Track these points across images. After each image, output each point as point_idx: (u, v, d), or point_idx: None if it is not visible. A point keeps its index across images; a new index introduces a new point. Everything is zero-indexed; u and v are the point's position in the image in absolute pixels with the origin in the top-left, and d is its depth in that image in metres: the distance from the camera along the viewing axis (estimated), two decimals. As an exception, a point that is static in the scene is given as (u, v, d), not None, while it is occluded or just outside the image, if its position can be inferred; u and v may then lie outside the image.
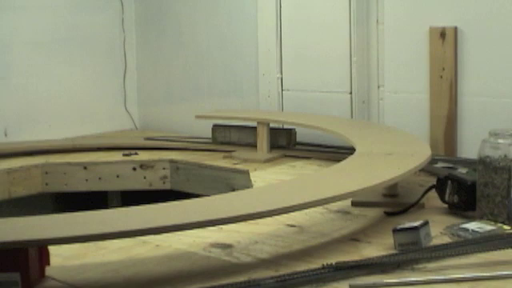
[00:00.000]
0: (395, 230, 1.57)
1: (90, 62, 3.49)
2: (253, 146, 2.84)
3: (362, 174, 1.84)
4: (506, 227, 1.65)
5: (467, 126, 2.51)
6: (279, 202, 1.54)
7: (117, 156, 2.91)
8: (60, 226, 1.40)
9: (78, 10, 3.42)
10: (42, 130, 3.22)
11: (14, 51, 3.20)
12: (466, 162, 2.26)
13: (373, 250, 1.57)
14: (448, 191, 1.84)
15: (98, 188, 2.86)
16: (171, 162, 2.84)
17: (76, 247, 1.53)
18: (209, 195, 1.74)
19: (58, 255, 1.51)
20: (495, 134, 1.71)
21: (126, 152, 2.95)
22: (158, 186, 2.85)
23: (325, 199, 1.61)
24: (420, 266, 1.44)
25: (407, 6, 2.63)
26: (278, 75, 3.05)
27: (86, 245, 1.55)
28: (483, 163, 1.72)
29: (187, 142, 3.06)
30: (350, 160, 1.99)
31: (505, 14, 2.41)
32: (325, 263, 1.40)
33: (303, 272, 1.38)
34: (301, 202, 1.55)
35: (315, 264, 1.44)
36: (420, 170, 2.01)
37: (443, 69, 2.53)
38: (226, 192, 2.27)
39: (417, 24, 2.60)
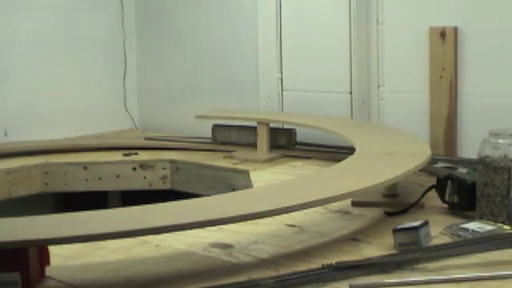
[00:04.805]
0: (395, 230, 1.57)
1: (90, 62, 3.49)
2: (253, 146, 2.83)
3: (362, 174, 1.84)
4: (506, 227, 1.65)
5: (467, 126, 2.51)
6: (279, 201, 1.54)
7: (117, 156, 2.91)
8: (60, 226, 1.40)
9: (78, 10, 3.42)
10: (42, 130, 3.21)
11: (13, 51, 3.20)
12: (466, 162, 2.26)
13: (373, 250, 1.57)
14: (448, 191, 1.84)
15: (98, 188, 2.85)
16: (171, 161, 2.84)
17: (76, 247, 1.53)
18: (209, 195, 1.74)
19: (58, 255, 1.51)
20: (495, 134, 1.71)
21: (126, 152, 2.95)
22: (158, 186, 2.85)
23: (325, 199, 1.61)
24: (420, 265, 1.44)
25: (407, 6, 2.63)
26: (278, 75, 3.05)
27: (85, 245, 1.55)
28: (483, 163, 1.72)
29: (187, 141, 3.06)
30: (350, 160, 1.99)
31: (505, 14, 2.41)
32: (325, 263, 1.40)
33: (303, 272, 1.38)
34: (301, 202, 1.55)
35: (315, 264, 1.44)
36: (420, 170, 2.01)
37: (443, 69, 2.53)
38: (226, 192, 2.27)
39: (417, 24, 2.60)
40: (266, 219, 1.62)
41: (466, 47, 2.50)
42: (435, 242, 1.58)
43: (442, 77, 2.54)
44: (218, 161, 2.75)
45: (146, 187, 2.85)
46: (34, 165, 2.80)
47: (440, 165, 2.30)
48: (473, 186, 1.76)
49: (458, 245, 1.53)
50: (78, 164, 2.83)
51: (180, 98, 3.49)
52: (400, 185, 2.00)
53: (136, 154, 2.93)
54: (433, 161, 2.21)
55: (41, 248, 1.41)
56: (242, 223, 1.63)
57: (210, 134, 3.00)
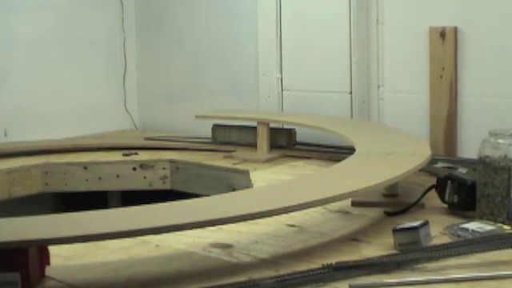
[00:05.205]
0: (395, 230, 1.57)
1: (90, 62, 3.49)
2: (253, 146, 2.83)
3: (362, 174, 1.84)
4: (506, 227, 1.65)
5: (467, 126, 2.51)
6: (279, 201, 1.54)
7: (117, 156, 2.91)
8: (60, 226, 1.40)
9: (78, 10, 3.42)
10: (42, 130, 3.21)
11: (13, 51, 3.20)
12: (466, 162, 2.26)
13: (373, 250, 1.57)
14: (448, 191, 1.84)
15: (98, 188, 2.86)
16: (171, 161, 2.84)
17: (76, 247, 1.53)
18: (209, 195, 1.74)
19: (58, 255, 1.51)
20: (495, 134, 1.71)
21: (126, 152, 2.95)
22: (158, 186, 2.85)
23: (325, 199, 1.61)
24: (420, 265, 1.44)
25: (407, 5, 2.63)
26: (278, 75, 3.05)
27: (85, 245, 1.55)
28: (483, 163, 1.72)
29: (187, 141, 3.06)
30: (350, 160, 1.99)
31: (505, 14, 2.41)
32: (325, 263, 1.40)
33: (303, 272, 1.38)
34: (301, 202, 1.55)
35: (315, 264, 1.44)
36: (420, 170, 2.01)
37: (443, 69, 2.53)
38: (226, 192, 2.27)
39: (417, 24, 2.60)
40: (266, 219, 1.62)
41: (466, 47, 2.50)
42: (435, 241, 1.58)
43: (441, 77, 2.54)
44: (217, 161, 2.75)
45: (146, 187, 2.85)
46: (34, 165, 2.80)
47: (440, 165, 2.30)
48: (473, 185, 1.76)
49: (458, 245, 1.53)
50: (78, 164, 2.83)
51: (180, 98, 3.49)
52: (400, 185, 2.00)
53: (136, 153, 2.93)
54: (433, 161, 2.21)
55: (41, 248, 1.41)
56: (241, 223, 1.63)
57: (210, 134, 3.00)
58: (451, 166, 2.26)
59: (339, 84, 2.86)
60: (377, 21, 2.76)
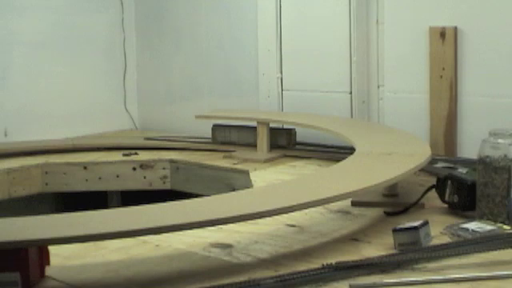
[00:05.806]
0: (395, 230, 1.57)
1: (89, 62, 3.49)
2: (253, 146, 2.84)
3: (362, 173, 1.84)
4: (505, 227, 1.65)
5: (467, 126, 2.51)
6: (279, 201, 1.54)
7: (117, 156, 2.91)
8: (60, 225, 1.40)
9: (78, 10, 3.42)
10: (42, 130, 3.21)
11: (14, 51, 3.20)
12: (466, 162, 2.26)
13: (373, 250, 1.57)
14: (448, 191, 1.84)
15: (98, 188, 2.86)
16: (171, 161, 2.84)
17: (76, 247, 1.53)
18: (209, 195, 1.74)
19: (58, 255, 1.51)
20: (495, 134, 1.71)
21: (126, 152, 2.95)
22: (158, 185, 2.85)
23: (325, 199, 1.61)
24: (420, 265, 1.44)
25: (407, 5, 2.63)
26: (278, 75, 3.05)
27: (85, 245, 1.55)
28: (483, 163, 1.72)
29: (187, 142, 3.06)
30: (350, 160, 1.99)
31: (505, 14, 2.41)
32: (325, 263, 1.40)
33: (303, 272, 1.38)
34: (301, 202, 1.55)
35: (315, 264, 1.44)
36: (420, 170, 2.01)
37: (443, 69, 2.53)
38: (226, 192, 2.27)
39: (417, 24, 2.60)
40: (266, 219, 1.62)
41: (466, 47, 2.50)
42: (435, 241, 1.58)
43: (441, 77, 2.54)
44: (217, 161, 2.75)
45: (146, 187, 2.85)
46: (34, 165, 2.81)
47: (440, 165, 2.30)
48: (473, 185, 1.76)
49: (458, 245, 1.53)
50: (78, 164, 2.83)
51: (180, 98, 3.49)
52: (400, 185, 2.00)
53: (136, 154, 2.93)
54: (433, 161, 2.21)
55: (41, 248, 1.41)
56: (241, 223, 1.64)
57: (210, 134, 3.00)
58: (451, 165, 2.26)
59: (339, 84, 2.86)
60: (377, 21, 2.76)
